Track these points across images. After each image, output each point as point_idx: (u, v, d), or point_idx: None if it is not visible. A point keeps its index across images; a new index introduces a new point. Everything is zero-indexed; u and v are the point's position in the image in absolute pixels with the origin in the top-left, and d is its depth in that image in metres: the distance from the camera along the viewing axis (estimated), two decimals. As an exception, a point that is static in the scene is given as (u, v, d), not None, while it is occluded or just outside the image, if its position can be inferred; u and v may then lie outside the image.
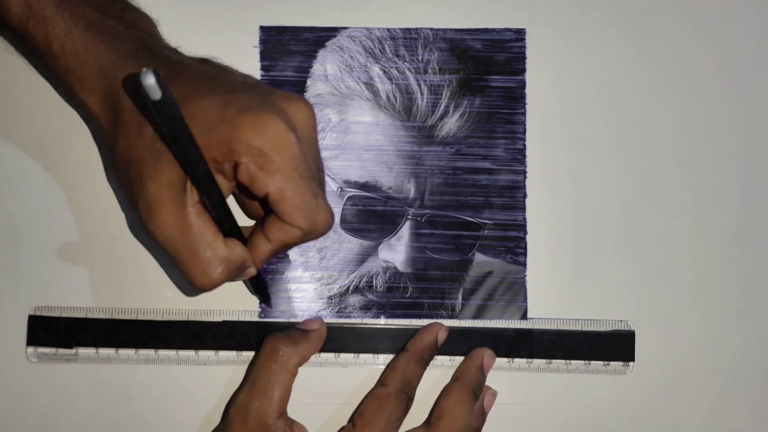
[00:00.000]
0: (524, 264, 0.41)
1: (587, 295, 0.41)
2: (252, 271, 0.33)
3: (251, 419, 0.35)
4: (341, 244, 0.40)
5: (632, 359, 0.40)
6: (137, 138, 0.31)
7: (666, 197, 0.41)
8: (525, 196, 0.41)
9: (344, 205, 0.40)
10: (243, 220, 0.35)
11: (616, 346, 0.40)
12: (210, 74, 0.33)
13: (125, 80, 0.31)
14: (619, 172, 0.41)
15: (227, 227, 0.32)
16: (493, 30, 0.41)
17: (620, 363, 0.40)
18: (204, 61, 0.35)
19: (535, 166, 0.41)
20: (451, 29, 0.41)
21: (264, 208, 0.34)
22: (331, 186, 0.41)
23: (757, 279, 0.41)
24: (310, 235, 0.32)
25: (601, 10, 0.41)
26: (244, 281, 0.39)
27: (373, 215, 0.40)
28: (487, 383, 0.39)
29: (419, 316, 0.40)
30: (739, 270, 0.41)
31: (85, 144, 0.40)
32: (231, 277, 0.32)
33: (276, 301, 0.40)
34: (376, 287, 0.40)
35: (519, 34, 0.41)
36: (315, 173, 0.32)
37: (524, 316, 0.41)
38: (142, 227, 0.31)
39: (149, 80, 0.24)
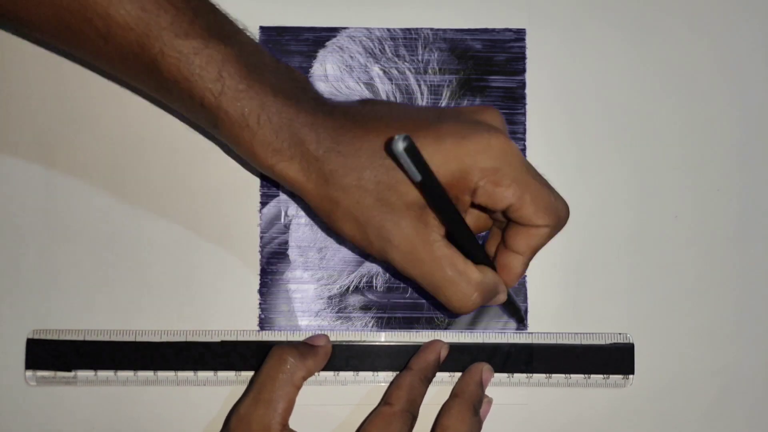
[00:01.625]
0: (524, 264, 0.41)
1: (587, 295, 0.41)
2: (503, 297, 0.35)
3: (254, 428, 0.35)
4: (342, 243, 0.40)
5: (632, 372, 0.40)
6: (362, 194, 0.32)
7: (666, 197, 0.41)
8: (525, 196, 0.41)
9: (344, 205, 0.40)
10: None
11: (615, 359, 0.40)
12: (393, 116, 0.33)
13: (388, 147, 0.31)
14: (619, 172, 0.41)
15: (478, 256, 0.33)
16: (493, 30, 0.41)
17: (620, 376, 0.40)
18: (368, 102, 0.35)
19: (535, 167, 0.41)
20: (451, 29, 0.41)
21: (497, 221, 0.35)
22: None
23: (759, 288, 0.41)
24: (556, 228, 0.33)
25: (601, 10, 0.41)
26: (501, 308, 0.40)
27: (373, 215, 0.40)
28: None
29: (419, 317, 0.40)
30: (739, 278, 0.41)
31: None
32: (486, 300, 0.33)
33: (276, 301, 0.40)
34: (376, 287, 0.40)
35: (519, 35, 0.41)
36: (534, 168, 0.33)
37: (524, 317, 0.40)
38: (397, 269, 0.33)
39: (399, 147, 0.26)
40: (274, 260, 0.40)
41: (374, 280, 0.40)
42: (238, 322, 0.40)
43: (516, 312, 0.40)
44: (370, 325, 0.40)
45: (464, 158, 0.31)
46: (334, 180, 0.32)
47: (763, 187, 0.41)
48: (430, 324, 0.40)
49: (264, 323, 0.40)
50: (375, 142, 0.32)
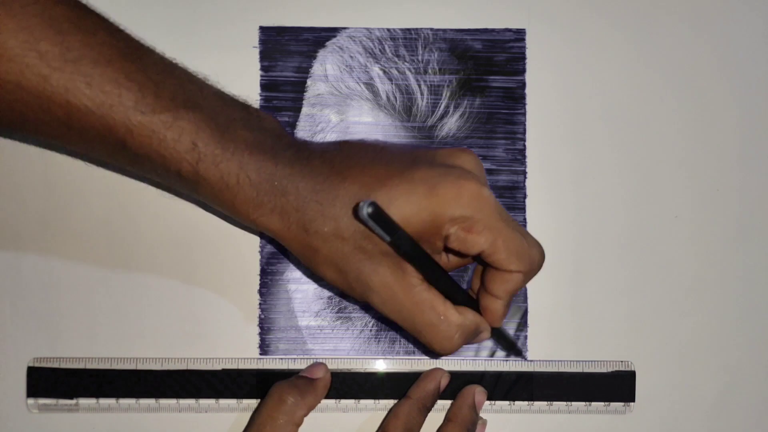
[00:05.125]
0: (524, 264, 0.41)
1: (587, 295, 0.41)
2: (486, 335, 0.35)
3: None
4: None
5: (633, 399, 0.40)
6: (340, 242, 0.32)
7: (666, 197, 0.41)
8: (525, 197, 0.41)
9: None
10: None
11: (616, 386, 0.40)
12: (369, 160, 0.33)
13: (357, 211, 0.31)
14: (619, 172, 0.41)
15: (458, 297, 0.33)
16: (493, 30, 0.41)
17: (621, 403, 0.40)
18: (344, 144, 0.34)
19: (535, 167, 0.41)
20: (451, 29, 0.41)
21: (475, 260, 0.35)
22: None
23: (760, 290, 0.41)
24: (530, 274, 0.33)
25: (601, 10, 0.41)
26: (494, 342, 0.40)
27: (373, 215, 0.40)
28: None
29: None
30: (740, 280, 0.41)
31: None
32: (468, 340, 0.34)
33: (275, 302, 0.40)
34: (376, 287, 0.40)
35: (519, 35, 0.41)
36: (507, 213, 0.33)
37: (524, 317, 0.41)
38: (379, 311, 0.33)
39: (364, 213, 0.27)
40: (274, 260, 0.40)
41: (374, 280, 0.40)
42: (239, 322, 0.40)
43: (510, 345, 0.40)
44: (370, 325, 0.40)
45: (436, 207, 0.31)
46: (312, 229, 0.32)
47: (763, 187, 0.41)
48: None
49: (264, 323, 0.40)
50: (351, 189, 0.31)
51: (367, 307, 0.40)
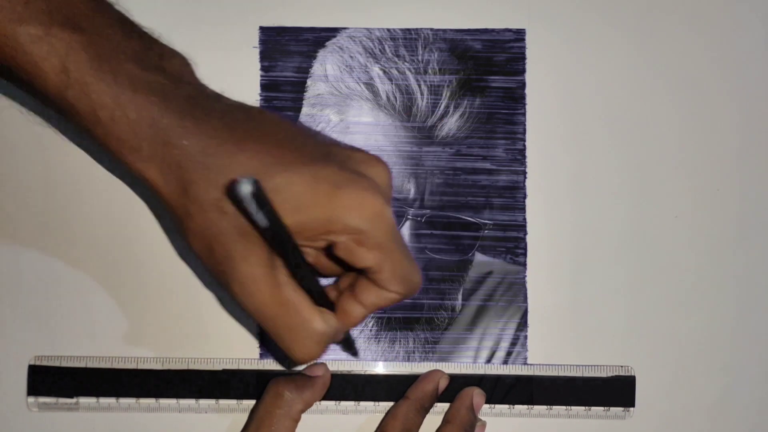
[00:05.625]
0: (524, 264, 0.41)
1: (587, 295, 0.41)
2: (340, 338, 0.33)
3: None
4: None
5: (632, 405, 0.40)
6: (219, 215, 0.28)
7: (666, 197, 0.41)
8: (525, 197, 0.41)
9: (344, 205, 0.40)
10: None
11: (616, 391, 0.40)
12: (280, 138, 0.30)
13: (229, 187, 0.28)
14: (619, 172, 0.41)
15: (316, 296, 0.32)
16: (493, 30, 0.41)
17: (620, 408, 0.40)
18: (259, 113, 0.31)
19: (535, 167, 0.41)
20: (451, 29, 0.41)
21: (347, 268, 0.33)
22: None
23: (760, 292, 0.41)
24: (405, 297, 0.32)
25: (601, 10, 0.41)
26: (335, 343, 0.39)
27: (373, 215, 0.40)
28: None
29: (419, 317, 0.40)
30: (740, 280, 0.41)
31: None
32: (326, 347, 0.32)
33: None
34: (376, 287, 0.40)
35: (519, 35, 0.41)
36: (401, 236, 0.31)
37: (524, 317, 0.41)
38: (236, 304, 0.30)
39: (245, 190, 0.24)
40: (274, 260, 0.40)
41: (374, 280, 0.40)
42: (239, 321, 0.40)
43: (349, 345, 0.39)
44: (370, 325, 0.40)
45: (334, 211, 0.29)
46: (193, 192, 0.28)
47: (763, 187, 0.41)
48: (430, 325, 0.41)
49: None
50: (247, 164, 0.28)
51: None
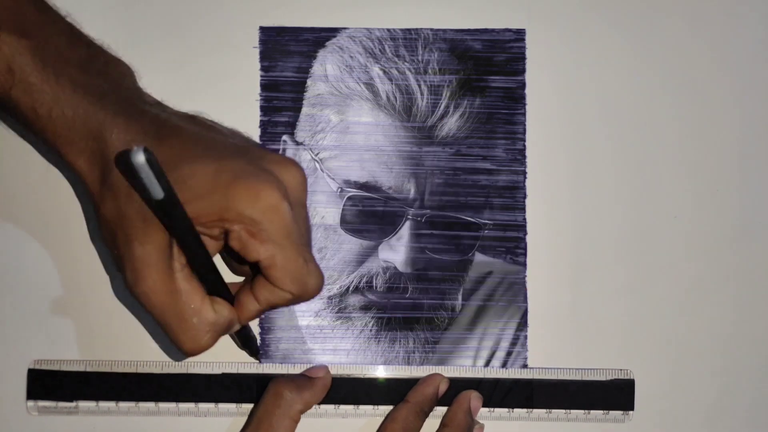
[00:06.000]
0: (524, 264, 0.41)
1: (587, 295, 0.41)
2: (235, 328, 0.33)
3: None
4: (341, 244, 0.40)
5: (631, 408, 0.40)
6: (126, 201, 0.30)
7: (665, 198, 0.41)
8: (525, 197, 0.41)
9: (344, 205, 0.40)
10: (228, 276, 0.35)
11: (615, 395, 0.40)
12: (200, 135, 0.32)
13: (119, 156, 0.30)
14: (618, 172, 0.41)
15: (214, 286, 0.32)
16: (493, 30, 0.41)
17: (620, 412, 0.40)
18: (192, 119, 0.34)
19: (535, 167, 0.41)
20: (451, 29, 0.41)
21: (252, 268, 0.33)
22: (331, 186, 0.41)
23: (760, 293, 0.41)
24: (300, 298, 0.32)
25: (601, 10, 0.41)
26: (231, 336, 0.38)
27: (373, 215, 0.41)
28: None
29: (419, 317, 0.40)
30: (739, 281, 0.41)
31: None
32: (217, 339, 0.32)
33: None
34: (376, 287, 0.40)
35: (519, 35, 0.41)
36: (305, 237, 0.32)
37: (524, 317, 0.41)
38: (127, 290, 0.30)
39: (140, 159, 0.24)
40: (274, 260, 0.40)
41: (374, 280, 0.40)
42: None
43: (248, 342, 0.38)
44: (370, 325, 0.41)
45: (230, 200, 0.29)
46: (110, 181, 0.30)
47: (763, 187, 0.41)
48: (430, 325, 0.41)
49: (264, 322, 0.40)
50: (162, 153, 0.29)
51: (366, 307, 0.40)
